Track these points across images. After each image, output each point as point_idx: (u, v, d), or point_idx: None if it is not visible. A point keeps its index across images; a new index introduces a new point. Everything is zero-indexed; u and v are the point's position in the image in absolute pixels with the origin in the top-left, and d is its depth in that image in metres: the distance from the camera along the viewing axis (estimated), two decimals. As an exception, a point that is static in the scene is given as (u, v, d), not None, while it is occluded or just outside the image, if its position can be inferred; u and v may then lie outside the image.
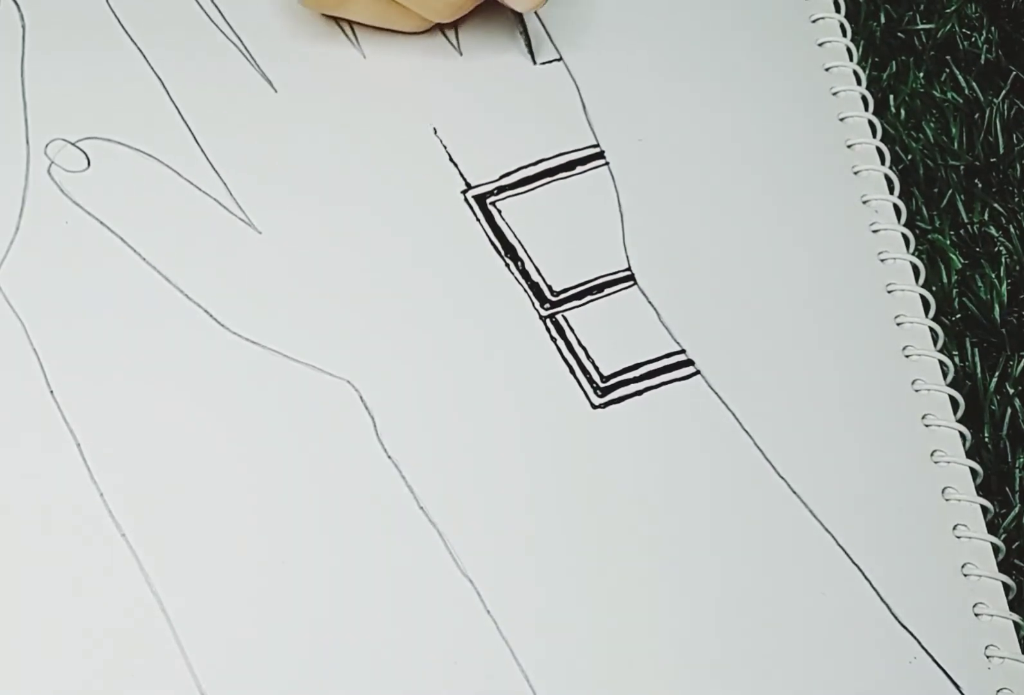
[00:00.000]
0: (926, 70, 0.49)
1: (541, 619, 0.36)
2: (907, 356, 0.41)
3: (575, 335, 0.40)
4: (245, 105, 0.44)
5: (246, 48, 0.45)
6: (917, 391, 0.41)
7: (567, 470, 0.38)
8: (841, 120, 0.46)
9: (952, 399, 0.41)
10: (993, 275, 0.45)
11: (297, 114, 0.44)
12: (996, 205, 0.46)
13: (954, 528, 0.38)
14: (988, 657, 0.36)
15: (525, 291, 0.41)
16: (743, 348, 0.41)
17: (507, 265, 0.42)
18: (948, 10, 0.50)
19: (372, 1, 0.43)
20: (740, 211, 0.43)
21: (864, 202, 0.44)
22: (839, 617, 0.37)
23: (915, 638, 0.36)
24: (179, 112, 0.43)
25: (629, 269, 0.42)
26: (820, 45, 0.48)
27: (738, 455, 0.39)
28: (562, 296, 0.41)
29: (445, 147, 0.44)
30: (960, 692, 0.36)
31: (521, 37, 0.45)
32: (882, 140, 0.46)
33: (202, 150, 0.43)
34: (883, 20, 0.50)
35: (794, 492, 0.38)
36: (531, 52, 0.45)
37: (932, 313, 0.42)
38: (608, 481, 0.38)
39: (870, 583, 0.37)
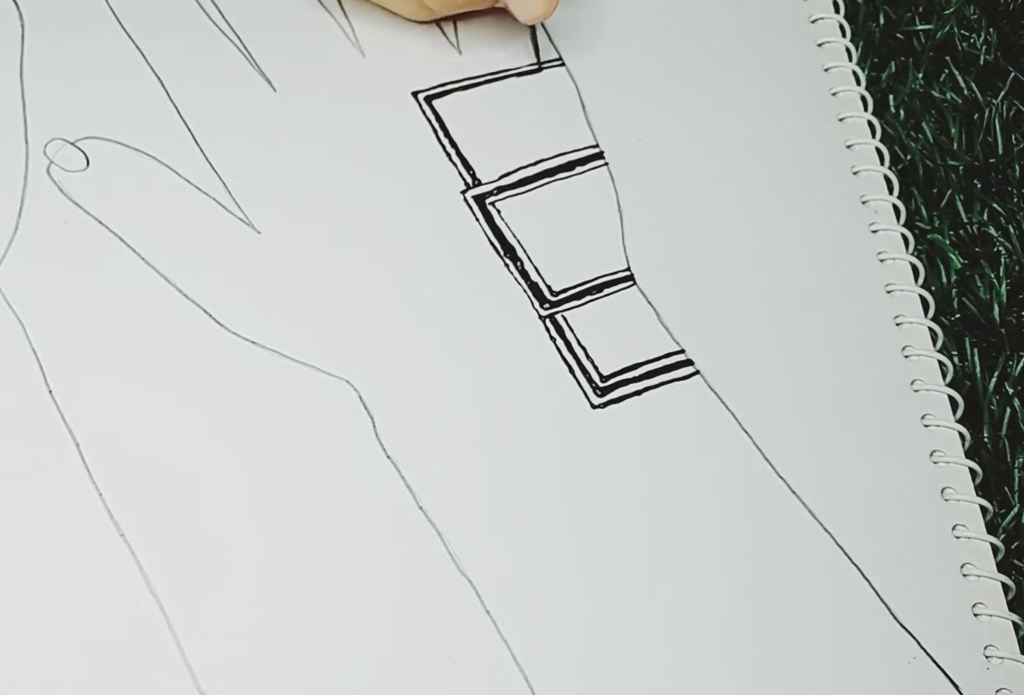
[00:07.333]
0: (925, 71, 0.49)
1: (540, 619, 0.36)
2: (906, 356, 0.41)
3: (574, 335, 0.40)
4: (244, 105, 0.44)
5: (245, 47, 0.45)
6: (916, 391, 0.41)
7: (566, 470, 0.38)
8: (840, 120, 0.46)
9: (951, 399, 0.41)
10: (992, 275, 0.45)
11: (296, 114, 0.44)
12: (995, 205, 0.46)
13: (953, 528, 0.38)
14: (987, 657, 0.36)
15: (524, 291, 0.41)
16: (742, 348, 0.41)
17: (506, 265, 0.42)
18: (947, 11, 0.50)
19: None
20: (739, 211, 0.43)
21: (863, 202, 0.44)
22: (838, 617, 0.37)
23: (914, 638, 0.36)
24: (178, 112, 0.43)
25: (628, 269, 0.42)
26: (819, 45, 0.48)
27: (737, 455, 0.39)
28: (561, 296, 0.41)
29: (444, 147, 0.44)
30: (959, 692, 0.36)
31: (530, 40, 0.45)
32: (881, 140, 0.46)
33: (201, 150, 0.43)
34: (882, 21, 0.50)
35: (793, 492, 0.38)
36: (537, 53, 0.45)
37: (931, 313, 0.42)
38: (607, 481, 0.38)
39: (869, 583, 0.37)
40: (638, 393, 0.40)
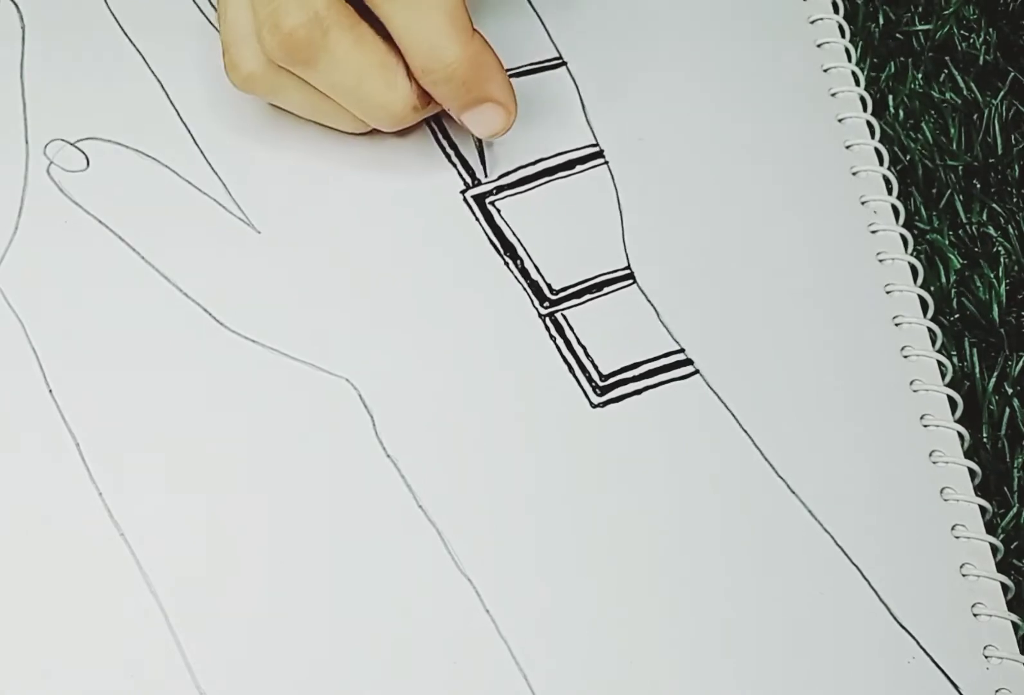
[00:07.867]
0: (924, 71, 0.49)
1: (540, 618, 0.36)
2: (905, 356, 0.41)
3: (574, 334, 0.40)
4: (244, 105, 0.44)
5: (245, 48, 0.45)
6: (916, 391, 0.41)
7: (566, 469, 0.38)
8: (840, 121, 0.46)
9: (951, 399, 0.41)
10: (992, 275, 0.45)
11: (296, 113, 0.44)
12: (995, 205, 0.46)
13: (952, 528, 0.38)
14: (987, 657, 0.36)
15: (524, 290, 0.41)
16: (742, 348, 0.41)
17: (506, 264, 0.42)
18: (946, 12, 0.50)
19: (308, 96, 0.41)
20: (739, 211, 0.43)
21: (863, 203, 0.44)
22: (838, 617, 0.37)
23: (914, 638, 0.36)
24: (178, 112, 0.44)
25: (628, 268, 0.42)
26: (819, 46, 0.48)
27: (737, 455, 0.39)
28: (561, 295, 0.41)
29: (444, 147, 0.44)
30: (959, 692, 0.36)
31: (478, 154, 0.43)
32: (880, 141, 0.46)
33: (201, 150, 0.43)
34: (881, 21, 0.50)
35: (793, 492, 0.38)
36: (485, 169, 0.43)
37: (931, 313, 0.42)
38: (607, 480, 0.38)
39: (869, 583, 0.37)
40: (638, 392, 0.40)
